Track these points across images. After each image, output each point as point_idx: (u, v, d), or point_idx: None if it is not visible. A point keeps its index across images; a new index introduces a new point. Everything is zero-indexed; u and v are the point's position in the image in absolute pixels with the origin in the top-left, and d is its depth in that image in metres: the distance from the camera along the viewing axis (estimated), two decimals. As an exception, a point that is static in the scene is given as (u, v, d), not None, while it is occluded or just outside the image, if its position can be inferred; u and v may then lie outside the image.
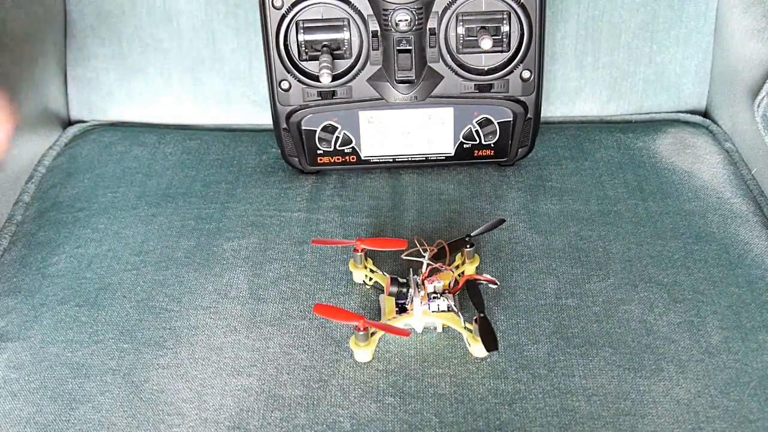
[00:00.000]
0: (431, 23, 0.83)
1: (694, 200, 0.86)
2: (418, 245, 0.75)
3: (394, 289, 0.74)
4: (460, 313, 0.72)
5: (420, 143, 0.89)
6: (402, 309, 0.73)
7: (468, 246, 0.77)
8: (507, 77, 0.86)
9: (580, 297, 0.76)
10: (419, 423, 0.66)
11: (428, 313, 0.72)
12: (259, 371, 0.70)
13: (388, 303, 0.74)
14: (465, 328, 0.71)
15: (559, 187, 0.89)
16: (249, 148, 0.95)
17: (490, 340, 0.68)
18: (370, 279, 0.78)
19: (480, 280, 0.73)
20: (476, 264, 0.78)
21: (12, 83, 0.90)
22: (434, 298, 0.72)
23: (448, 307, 0.72)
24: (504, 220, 0.80)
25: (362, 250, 0.77)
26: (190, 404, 0.68)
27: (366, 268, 0.78)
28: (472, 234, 0.78)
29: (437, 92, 0.86)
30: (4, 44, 0.90)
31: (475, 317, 0.70)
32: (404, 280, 0.75)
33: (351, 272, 0.78)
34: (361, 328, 0.70)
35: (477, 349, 0.70)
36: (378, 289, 0.77)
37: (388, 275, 0.76)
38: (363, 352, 0.71)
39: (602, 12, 0.98)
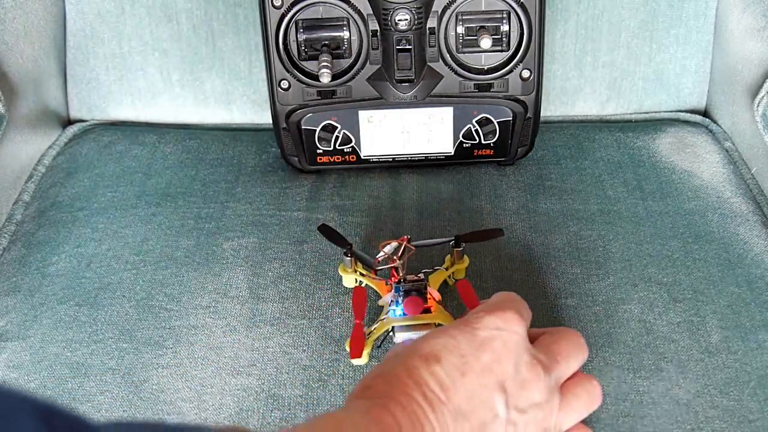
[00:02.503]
0: (431, 23, 0.83)
1: (694, 199, 0.86)
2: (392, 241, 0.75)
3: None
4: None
5: (419, 143, 0.89)
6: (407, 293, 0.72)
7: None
8: (507, 77, 0.85)
9: (579, 297, 0.76)
10: (419, 423, 0.66)
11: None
12: (258, 371, 0.70)
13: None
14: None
15: (558, 186, 0.89)
16: (249, 148, 0.95)
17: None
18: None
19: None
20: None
21: (12, 83, 0.90)
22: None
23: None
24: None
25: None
26: (190, 404, 0.68)
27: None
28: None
29: (437, 92, 0.86)
30: (4, 43, 0.90)
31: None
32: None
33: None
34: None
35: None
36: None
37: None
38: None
39: (602, 11, 0.98)
